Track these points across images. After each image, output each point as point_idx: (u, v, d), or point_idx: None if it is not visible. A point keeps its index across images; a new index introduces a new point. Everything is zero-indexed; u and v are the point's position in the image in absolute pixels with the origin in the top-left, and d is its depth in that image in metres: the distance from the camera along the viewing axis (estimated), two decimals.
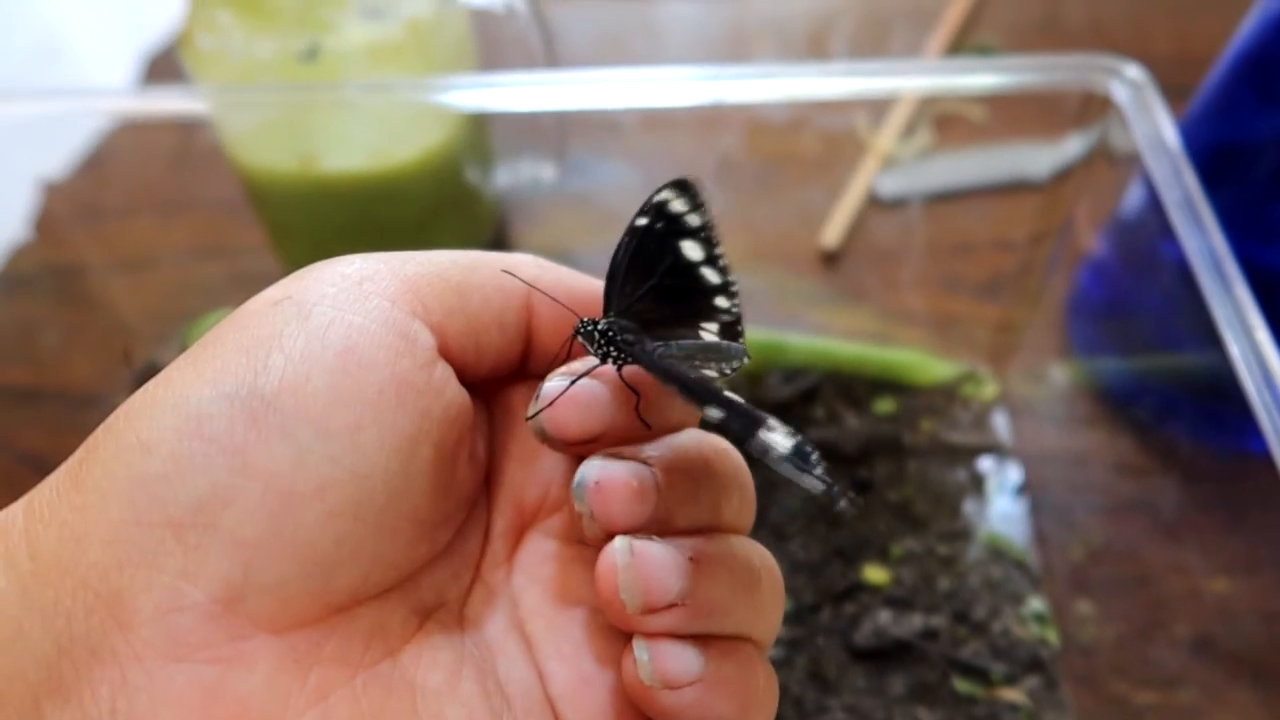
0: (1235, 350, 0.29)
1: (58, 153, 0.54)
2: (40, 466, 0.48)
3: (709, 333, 0.22)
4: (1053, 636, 0.38)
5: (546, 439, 0.19)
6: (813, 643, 0.38)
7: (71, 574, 0.15)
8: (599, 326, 0.20)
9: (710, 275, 0.22)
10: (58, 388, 0.48)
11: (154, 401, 0.17)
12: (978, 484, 0.43)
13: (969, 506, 0.42)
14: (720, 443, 0.20)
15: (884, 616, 0.39)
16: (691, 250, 0.22)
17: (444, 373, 0.19)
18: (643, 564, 0.17)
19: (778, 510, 0.42)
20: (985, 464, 0.44)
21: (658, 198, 0.22)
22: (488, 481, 0.22)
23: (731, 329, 0.22)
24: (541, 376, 0.21)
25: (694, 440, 0.20)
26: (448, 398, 0.18)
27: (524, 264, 0.21)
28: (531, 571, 0.21)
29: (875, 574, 0.40)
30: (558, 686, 0.19)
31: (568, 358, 0.21)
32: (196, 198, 0.53)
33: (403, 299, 0.18)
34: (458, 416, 0.19)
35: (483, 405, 0.22)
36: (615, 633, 0.20)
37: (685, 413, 0.21)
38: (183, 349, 0.19)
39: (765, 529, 0.42)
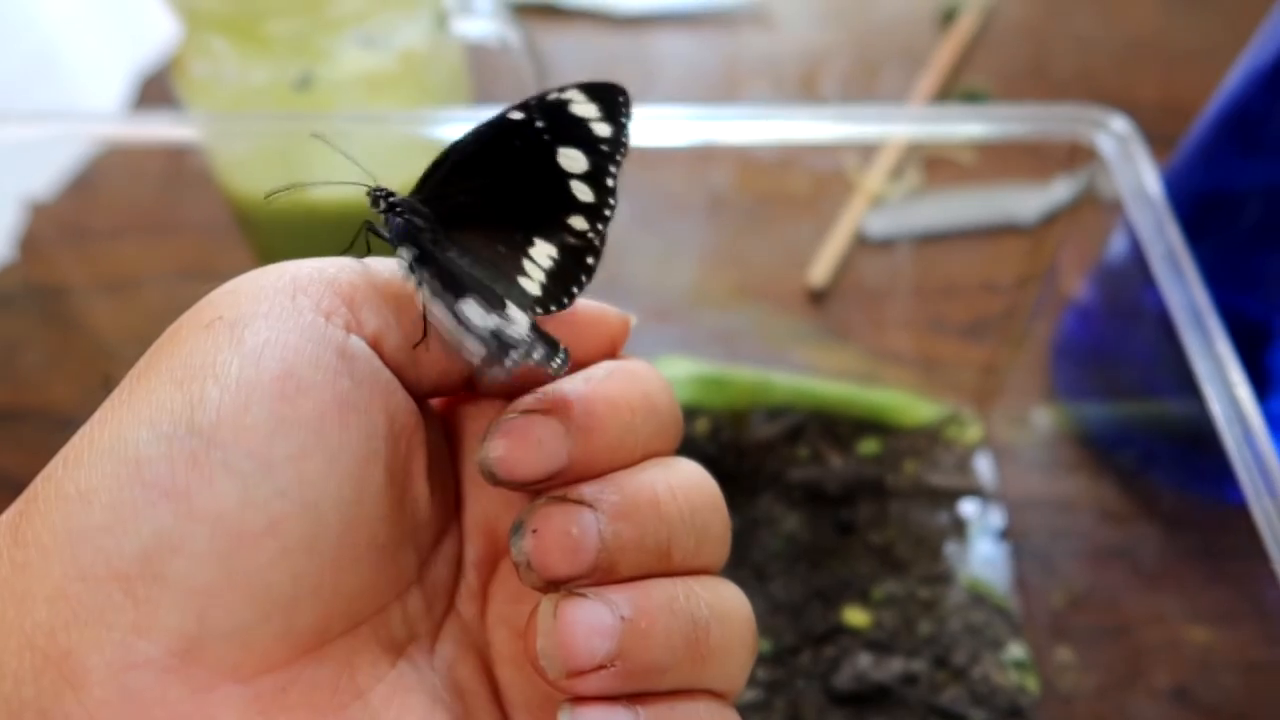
0: (1216, 406, 0.29)
1: (44, 173, 0.54)
2: (17, 488, 0.47)
3: (540, 255, 0.20)
4: (1032, 684, 0.38)
5: (498, 482, 0.18)
6: (792, 685, 0.38)
7: (16, 635, 0.15)
8: (391, 197, 0.19)
9: (582, 191, 0.20)
10: (38, 408, 0.47)
11: (91, 445, 0.16)
12: (960, 527, 0.43)
13: (951, 550, 0.42)
14: (676, 478, 0.19)
15: (864, 660, 0.38)
16: (573, 161, 0.20)
17: (387, 386, 0.18)
18: (564, 628, 0.17)
19: (759, 551, 0.42)
20: (967, 507, 0.44)
21: (558, 96, 0.20)
22: (458, 509, 0.21)
23: (578, 256, 0.20)
24: (488, 393, 0.21)
25: (647, 480, 0.19)
26: (392, 412, 0.18)
27: None
28: (501, 610, 0.21)
29: (856, 616, 0.40)
30: None
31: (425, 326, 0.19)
32: (184, 221, 0.53)
33: (337, 312, 0.18)
34: (403, 430, 0.18)
35: (440, 426, 0.21)
36: None
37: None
38: None
39: (746, 568, 0.41)
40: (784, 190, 0.53)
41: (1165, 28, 0.68)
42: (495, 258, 0.20)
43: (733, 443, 0.45)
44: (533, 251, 0.20)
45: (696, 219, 0.52)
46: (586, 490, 0.18)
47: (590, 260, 0.20)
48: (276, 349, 0.16)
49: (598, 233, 0.20)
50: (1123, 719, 0.37)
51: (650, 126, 0.39)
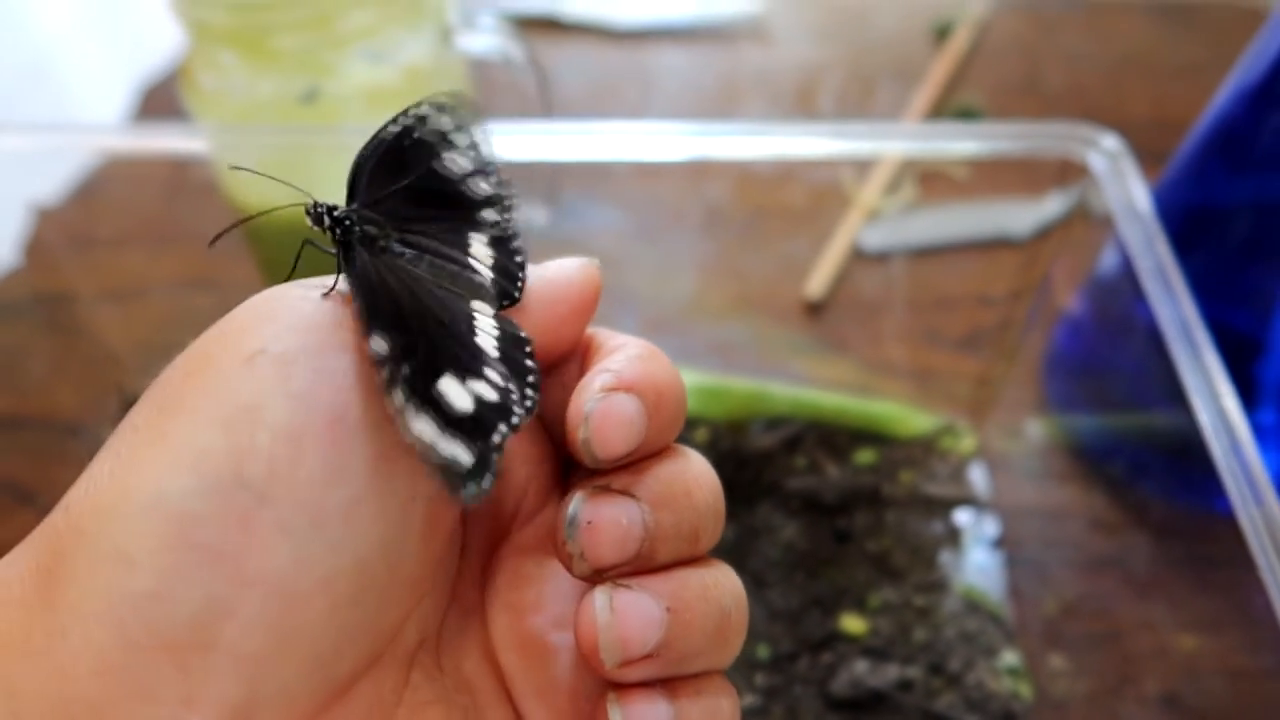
0: (1204, 417, 0.30)
1: (50, 180, 0.54)
2: (22, 495, 0.48)
3: (478, 243, 0.21)
4: (1026, 690, 0.39)
5: (598, 463, 0.18)
6: (789, 692, 0.39)
7: (59, 711, 0.14)
8: (335, 211, 0.19)
9: (480, 186, 0.21)
10: (43, 416, 0.48)
11: (126, 495, 0.15)
12: (954, 536, 0.44)
13: (946, 558, 0.43)
14: (698, 468, 0.20)
15: (860, 667, 0.39)
16: (456, 163, 0.21)
17: None
18: (621, 621, 0.17)
19: (757, 559, 0.42)
20: (962, 517, 0.45)
21: (416, 112, 0.20)
22: None
23: (503, 245, 0.21)
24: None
25: (679, 470, 0.19)
26: None
27: None
28: (503, 596, 0.21)
29: (853, 624, 0.41)
30: None
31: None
32: (189, 230, 0.53)
33: None
34: None
35: None
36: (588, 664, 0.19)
37: None
38: None
39: (745, 575, 0.42)
40: (781, 204, 0.53)
41: (1156, 45, 0.69)
42: (448, 254, 0.20)
43: (731, 452, 0.45)
44: (471, 249, 0.20)
45: (694, 231, 0.53)
46: (629, 481, 0.18)
47: (515, 245, 0.21)
48: (327, 391, 0.16)
49: (511, 220, 0.21)
50: None
51: (649, 141, 0.39)
